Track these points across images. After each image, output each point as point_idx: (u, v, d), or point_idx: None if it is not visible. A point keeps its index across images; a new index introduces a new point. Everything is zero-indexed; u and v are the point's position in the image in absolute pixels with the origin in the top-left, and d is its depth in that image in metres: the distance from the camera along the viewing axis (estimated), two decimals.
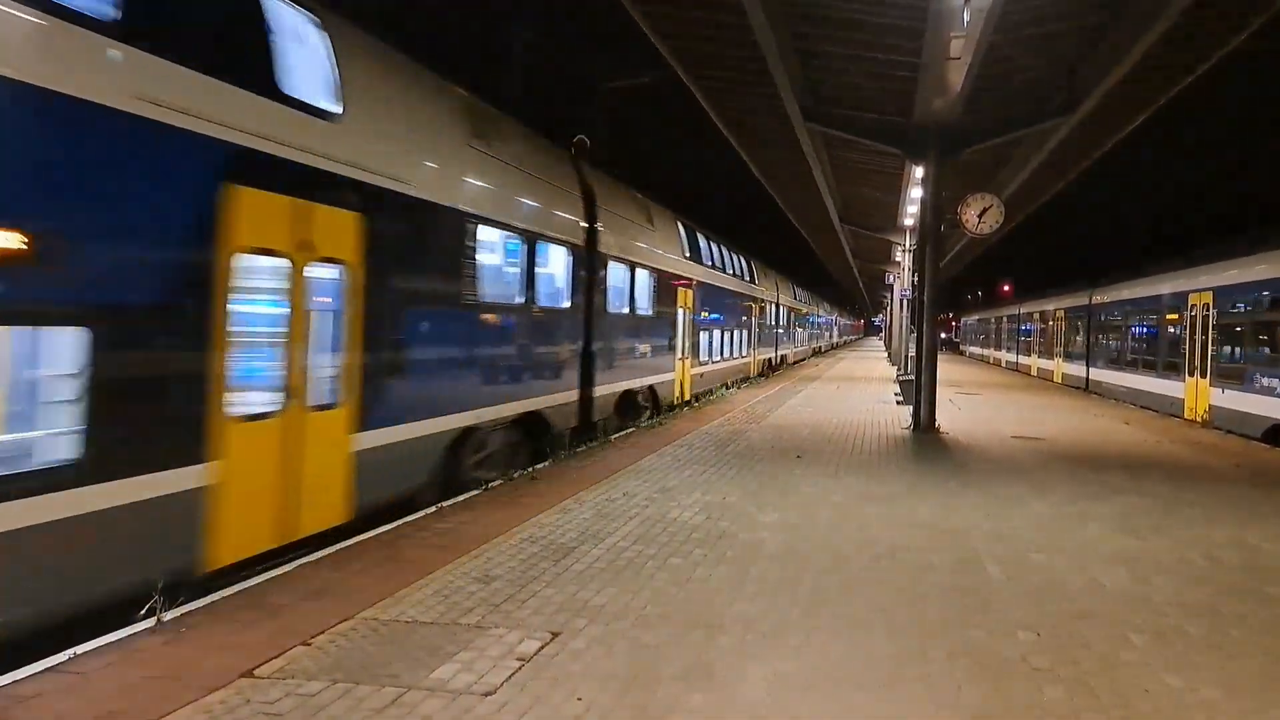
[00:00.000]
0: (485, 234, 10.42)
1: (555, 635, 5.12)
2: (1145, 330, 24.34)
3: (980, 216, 16.08)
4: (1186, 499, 9.79)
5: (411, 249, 9.04)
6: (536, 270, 12.04)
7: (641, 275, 17.30)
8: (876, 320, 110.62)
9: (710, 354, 24.32)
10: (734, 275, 28.33)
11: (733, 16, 13.03)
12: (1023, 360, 42.42)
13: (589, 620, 5.39)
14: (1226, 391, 17.81)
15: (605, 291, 15.11)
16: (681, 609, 5.65)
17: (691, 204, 33.25)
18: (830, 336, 78.28)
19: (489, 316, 10.84)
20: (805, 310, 52.63)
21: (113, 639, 4.90)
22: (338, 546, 6.97)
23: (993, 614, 5.70)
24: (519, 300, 11.67)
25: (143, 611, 5.17)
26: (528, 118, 12.83)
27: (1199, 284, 19.75)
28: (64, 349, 5.22)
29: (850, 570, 6.64)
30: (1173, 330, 21.57)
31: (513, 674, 4.56)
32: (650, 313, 18.04)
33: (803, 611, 5.67)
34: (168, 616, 5.22)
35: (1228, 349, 18.17)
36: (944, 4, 10.93)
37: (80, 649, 4.70)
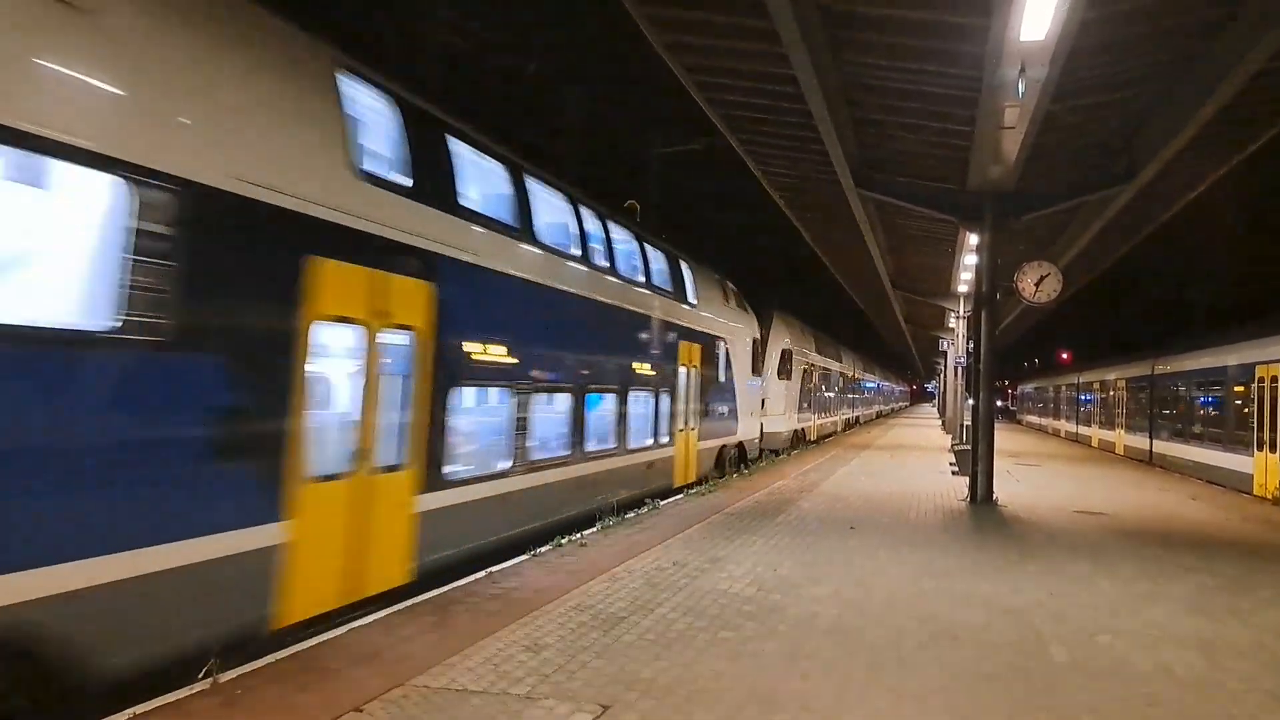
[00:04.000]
0: (727, 345, 19.55)
1: (606, 708, 5.05)
2: (1211, 402, 23.62)
3: (1038, 285, 15.87)
4: (1260, 580, 9.39)
5: (710, 357, 18.14)
6: (744, 360, 21.32)
7: (797, 362, 29.07)
8: (929, 386, 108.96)
9: (821, 413, 36.14)
10: (833, 359, 39.90)
11: (787, 86, 13.20)
12: (1083, 431, 41.36)
13: (640, 694, 5.31)
14: None
15: (776, 373, 26.51)
16: (734, 684, 5.55)
17: (740, 266, 33.50)
18: (886, 403, 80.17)
19: (730, 388, 19.84)
20: (869, 380, 63.66)
21: (169, 699, 4.95)
22: (388, 610, 7.00)
23: (1057, 698, 5.50)
24: (736, 380, 20.29)
25: (200, 674, 5.22)
26: (581, 180, 13.32)
27: (1267, 355, 19.19)
28: (651, 405, 14.81)
29: (908, 648, 6.47)
30: (1240, 402, 20.92)
31: None
32: (798, 384, 29.53)
33: (860, 690, 5.53)
34: (224, 678, 5.27)
35: None
36: (999, 76, 10.96)
37: (139, 709, 4.76)
